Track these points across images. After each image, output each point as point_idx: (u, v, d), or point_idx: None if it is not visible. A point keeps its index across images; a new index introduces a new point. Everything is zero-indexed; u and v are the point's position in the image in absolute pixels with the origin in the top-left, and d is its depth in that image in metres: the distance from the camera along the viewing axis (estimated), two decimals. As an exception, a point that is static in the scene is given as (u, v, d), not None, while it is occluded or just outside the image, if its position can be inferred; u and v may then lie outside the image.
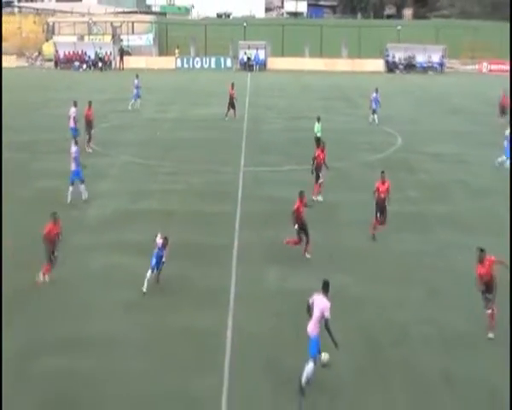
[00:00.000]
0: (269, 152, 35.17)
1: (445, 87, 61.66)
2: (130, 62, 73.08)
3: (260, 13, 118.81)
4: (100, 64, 72.66)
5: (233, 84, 43.78)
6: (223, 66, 75.24)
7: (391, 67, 74.15)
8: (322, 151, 26.53)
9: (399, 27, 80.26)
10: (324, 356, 13.76)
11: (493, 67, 76.01)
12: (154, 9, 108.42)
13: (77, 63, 73.56)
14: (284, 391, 14.14)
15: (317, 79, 66.18)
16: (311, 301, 13.98)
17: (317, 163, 26.28)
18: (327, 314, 13.55)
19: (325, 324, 13.58)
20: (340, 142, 37.34)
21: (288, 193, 27.54)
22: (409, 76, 71.08)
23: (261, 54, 74.19)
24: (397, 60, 74.44)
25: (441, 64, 74.23)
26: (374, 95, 41.79)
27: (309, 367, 13.53)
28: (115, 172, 31.24)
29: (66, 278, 19.41)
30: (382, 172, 22.55)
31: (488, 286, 15.91)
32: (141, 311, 17.55)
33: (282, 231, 23.14)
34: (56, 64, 74.42)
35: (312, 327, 13.73)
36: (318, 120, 32.45)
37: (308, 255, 20.83)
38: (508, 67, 75.42)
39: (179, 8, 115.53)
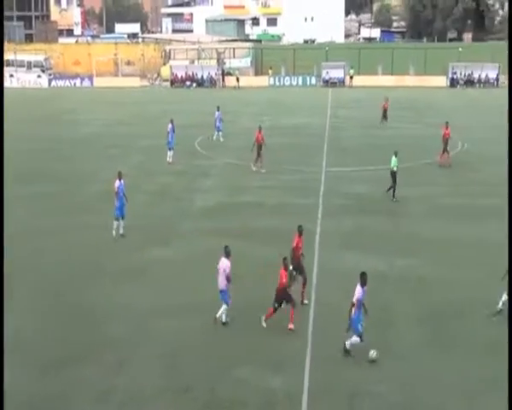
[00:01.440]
0: (347, 155, 34.75)
1: (500, 99, 59.32)
2: (233, 81, 73.51)
3: (340, 38, 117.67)
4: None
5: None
6: (308, 83, 74.91)
7: (452, 82, 72.02)
8: None
9: (460, 49, 77.74)
10: (372, 353, 13.66)
11: (543, 81, 72.89)
12: (251, 37, 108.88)
13: (188, 82, 74.59)
14: (363, 357, 13.91)
15: (389, 93, 64.75)
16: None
17: None
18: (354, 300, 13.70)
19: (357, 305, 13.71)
20: (409, 145, 36.53)
21: (362, 190, 27.40)
22: (468, 90, 68.87)
23: (340, 73, 73.39)
24: (458, 76, 72.29)
25: (497, 80, 71.54)
26: None
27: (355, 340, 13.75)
28: (217, 171, 31.49)
29: (176, 257, 19.70)
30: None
31: None
32: (236, 282, 17.51)
33: (357, 220, 22.88)
34: (172, 83, 75.58)
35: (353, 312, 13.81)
36: (396, 154, 25.57)
37: (306, 301, 16.39)
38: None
39: (272, 36, 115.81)
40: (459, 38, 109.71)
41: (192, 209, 24.91)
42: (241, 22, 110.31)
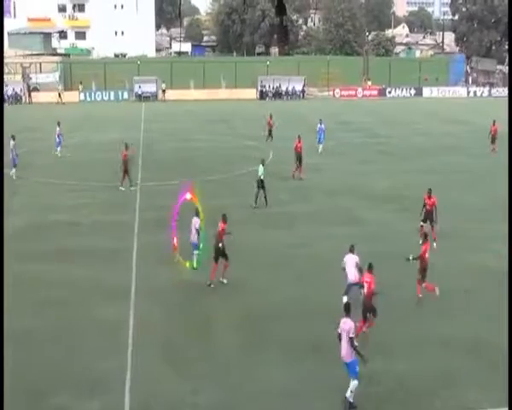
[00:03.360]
0: (161, 169, 34.82)
1: (306, 110, 62.89)
2: (40, 97, 70.77)
3: (151, 53, 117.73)
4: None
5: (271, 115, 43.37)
6: (120, 98, 74.04)
7: (262, 95, 75.00)
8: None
9: (268, 62, 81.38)
10: None
11: (343, 92, 78.14)
12: (59, 51, 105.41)
13: (-9, 99, 70.68)
14: (182, 369, 14.03)
15: (201, 106, 66.21)
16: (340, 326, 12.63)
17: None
18: (351, 334, 12.35)
19: (350, 342, 12.37)
20: (222, 157, 37.56)
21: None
22: (277, 102, 72.05)
23: (153, 87, 73.37)
24: (267, 89, 75.43)
25: (302, 91, 75.69)
26: (319, 126, 39.70)
27: (354, 384, 12.38)
28: (25, 190, 30.19)
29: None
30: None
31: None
32: (53, 307, 17.02)
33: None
34: (-28, 100, 71.12)
35: (344, 352, 12.45)
36: (263, 162, 26.97)
37: (225, 281, 18.43)
38: (353, 92, 78.04)
39: (81, 50, 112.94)
40: (267, 52, 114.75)
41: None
42: (47, 35, 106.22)
